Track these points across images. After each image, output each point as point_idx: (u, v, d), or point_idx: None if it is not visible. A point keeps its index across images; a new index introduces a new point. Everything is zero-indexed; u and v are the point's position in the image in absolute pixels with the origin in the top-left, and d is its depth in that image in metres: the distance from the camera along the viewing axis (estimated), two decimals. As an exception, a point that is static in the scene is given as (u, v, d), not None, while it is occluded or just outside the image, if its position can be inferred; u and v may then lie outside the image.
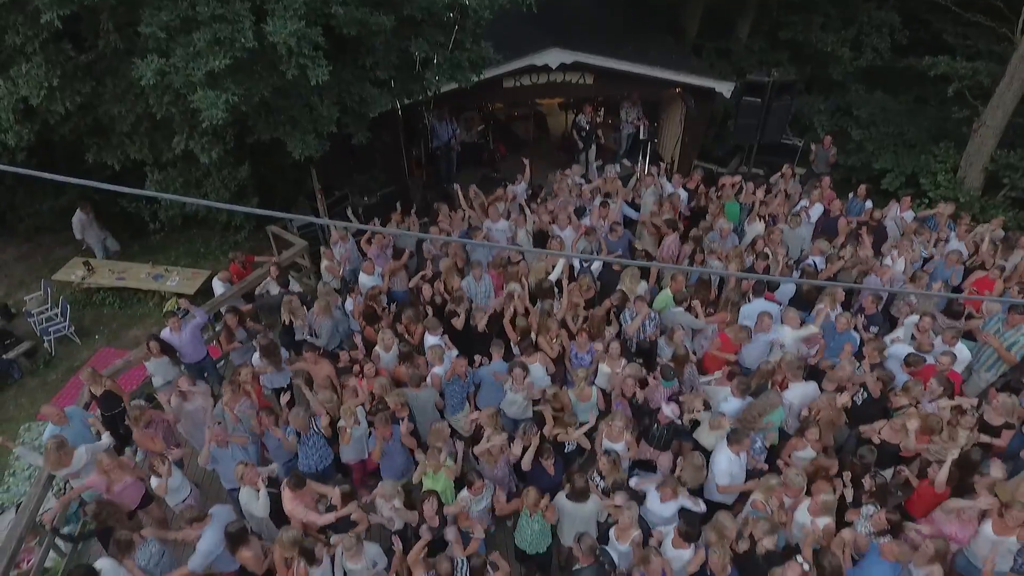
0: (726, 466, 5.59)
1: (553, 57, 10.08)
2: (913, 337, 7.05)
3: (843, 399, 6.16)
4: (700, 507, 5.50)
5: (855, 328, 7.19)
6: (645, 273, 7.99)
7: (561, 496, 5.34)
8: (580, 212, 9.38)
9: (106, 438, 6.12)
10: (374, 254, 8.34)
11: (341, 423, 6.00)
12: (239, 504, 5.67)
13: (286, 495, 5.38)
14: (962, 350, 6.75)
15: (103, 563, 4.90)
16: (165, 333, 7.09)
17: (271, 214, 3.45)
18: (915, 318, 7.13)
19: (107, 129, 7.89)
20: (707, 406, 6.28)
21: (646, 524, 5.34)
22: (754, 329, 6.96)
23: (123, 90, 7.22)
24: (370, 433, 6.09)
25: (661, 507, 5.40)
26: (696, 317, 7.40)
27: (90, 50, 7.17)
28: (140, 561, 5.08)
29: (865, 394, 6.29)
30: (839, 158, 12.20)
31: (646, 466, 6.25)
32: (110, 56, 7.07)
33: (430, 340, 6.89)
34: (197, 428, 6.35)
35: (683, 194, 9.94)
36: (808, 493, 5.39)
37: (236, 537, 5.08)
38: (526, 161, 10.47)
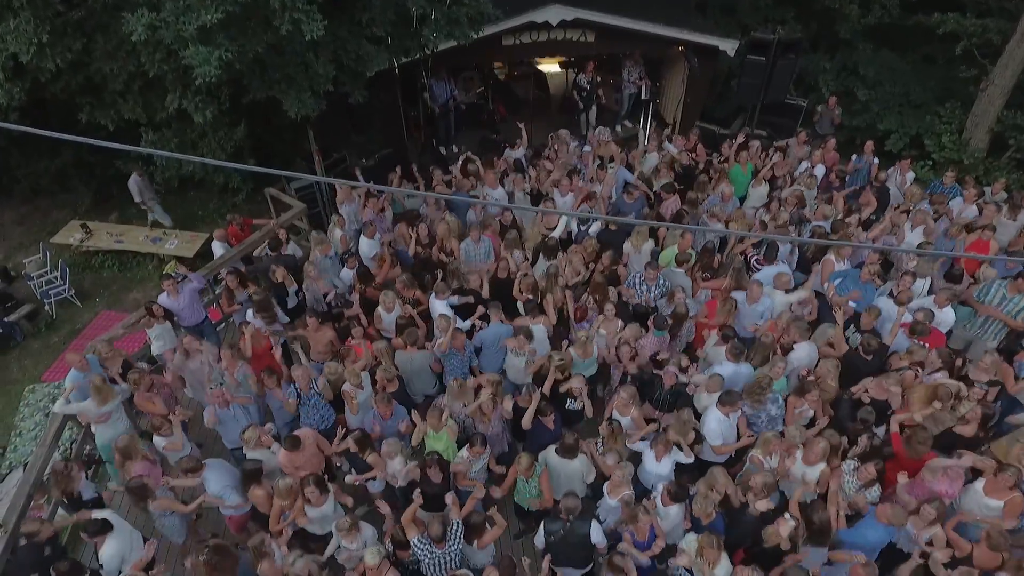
0: (716, 426, 5.67)
1: (553, 13, 9.87)
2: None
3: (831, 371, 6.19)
4: (689, 458, 5.60)
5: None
6: (653, 233, 7.94)
7: (551, 450, 5.44)
8: (576, 172, 9.23)
9: (123, 384, 6.23)
10: (370, 217, 8.26)
11: (346, 387, 6.03)
12: (240, 464, 5.72)
13: (281, 455, 5.46)
14: (947, 312, 6.75)
15: (106, 513, 5.02)
16: (162, 298, 7.04)
17: (271, 171, 3.41)
18: (922, 283, 7.14)
19: (99, 88, 7.73)
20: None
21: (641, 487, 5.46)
22: (747, 299, 6.84)
23: (114, 47, 7.05)
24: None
25: (657, 465, 5.50)
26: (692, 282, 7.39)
27: (79, 6, 6.98)
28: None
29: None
30: (843, 118, 12.01)
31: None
32: (100, 12, 6.88)
33: (439, 306, 6.83)
34: (202, 386, 6.40)
35: (673, 150, 9.87)
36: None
37: (251, 474, 5.23)
38: (521, 126, 10.31)
